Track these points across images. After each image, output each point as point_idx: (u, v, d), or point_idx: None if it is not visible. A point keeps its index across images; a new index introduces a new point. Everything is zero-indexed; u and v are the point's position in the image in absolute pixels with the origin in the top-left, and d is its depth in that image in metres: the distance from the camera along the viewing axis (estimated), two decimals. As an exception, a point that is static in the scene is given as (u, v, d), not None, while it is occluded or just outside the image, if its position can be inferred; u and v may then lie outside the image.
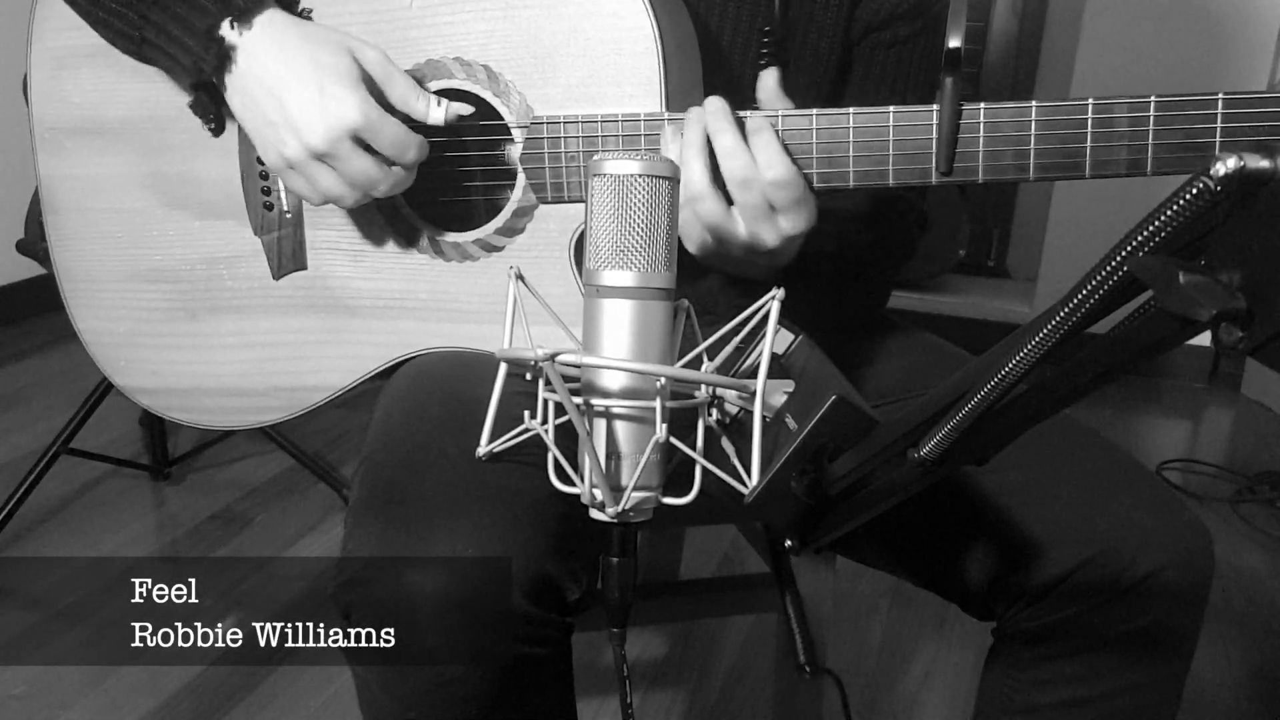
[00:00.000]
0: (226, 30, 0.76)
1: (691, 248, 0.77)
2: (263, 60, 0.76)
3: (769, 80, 0.77)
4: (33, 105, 0.94)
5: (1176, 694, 0.79)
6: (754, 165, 0.73)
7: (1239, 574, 1.87)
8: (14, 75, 0.97)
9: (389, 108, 0.78)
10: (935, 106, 0.72)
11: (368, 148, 0.76)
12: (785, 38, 0.89)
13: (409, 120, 0.79)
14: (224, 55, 0.77)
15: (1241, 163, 0.33)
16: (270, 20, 0.77)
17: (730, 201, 0.74)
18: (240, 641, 1.55)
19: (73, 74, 0.91)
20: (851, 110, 0.74)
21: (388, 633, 0.65)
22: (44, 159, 0.95)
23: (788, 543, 0.61)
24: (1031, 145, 0.72)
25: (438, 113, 0.78)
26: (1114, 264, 0.38)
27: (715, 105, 0.74)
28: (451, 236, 0.85)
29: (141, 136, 0.91)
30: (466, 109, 0.79)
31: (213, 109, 0.81)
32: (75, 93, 0.92)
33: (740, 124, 0.74)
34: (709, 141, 0.74)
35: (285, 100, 0.75)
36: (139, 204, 0.92)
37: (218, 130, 0.85)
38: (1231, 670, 1.59)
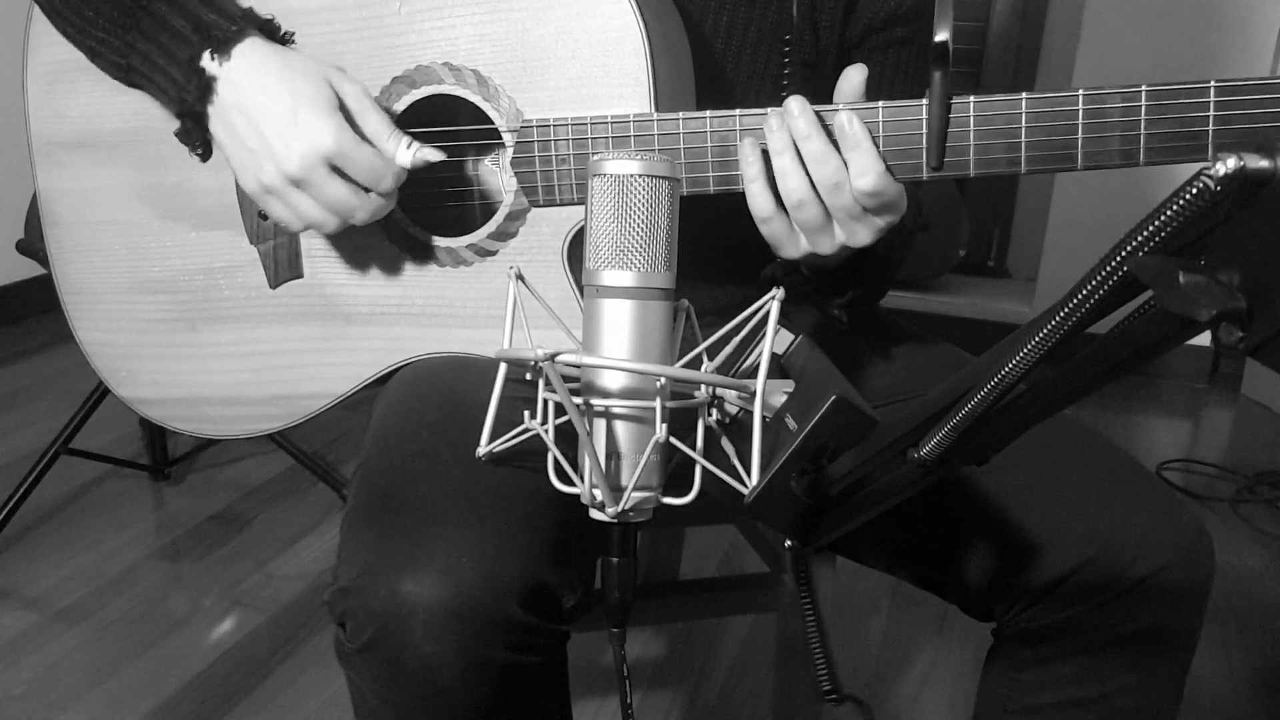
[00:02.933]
0: (207, 61, 0.77)
1: (792, 253, 0.76)
2: (242, 90, 0.77)
3: (857, 76, 0.74)
4: (30, 121, 0.94)
5: (1177, 694, 0.79)
6: (844, 169, 0.71)
7: (1239, 574, 1.87)
8: (14, 77, 0.97)
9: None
10: (924, 101, 0.72)
11: (344, 175, 0.77)
12: (811, 41, 0.88)
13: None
14: (205, 86, 0.78)
15: (1242, 163, 0.33)
16: (250, 49, 0.77)
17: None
18: (240, 641, 1.56)
19: (68, 88, 0.92)
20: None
21: (383, 640, 0.65)
22: (42, 173, 0.95)
23: (788, 543, 0.61)
24: (1022, 137, 0.71)
25: (405, 155, 0.78)
26: (1114, 264, 0.38)
27: (798, 107, 0.72)
28: (445, 242, 0.85)
29: (137, 149, 0.91)
30: (437, 155, 0.79)
31: (198, 136, 0.82)
32: (71, 107, 0.92)
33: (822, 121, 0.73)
34: (795, 144, 0.72)
35: (262, 127, 0.76)
36: (136, 216, 0.93)
37: (205, 156, 0.86)
38: (1231, 670, 1.59)
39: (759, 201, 0.74)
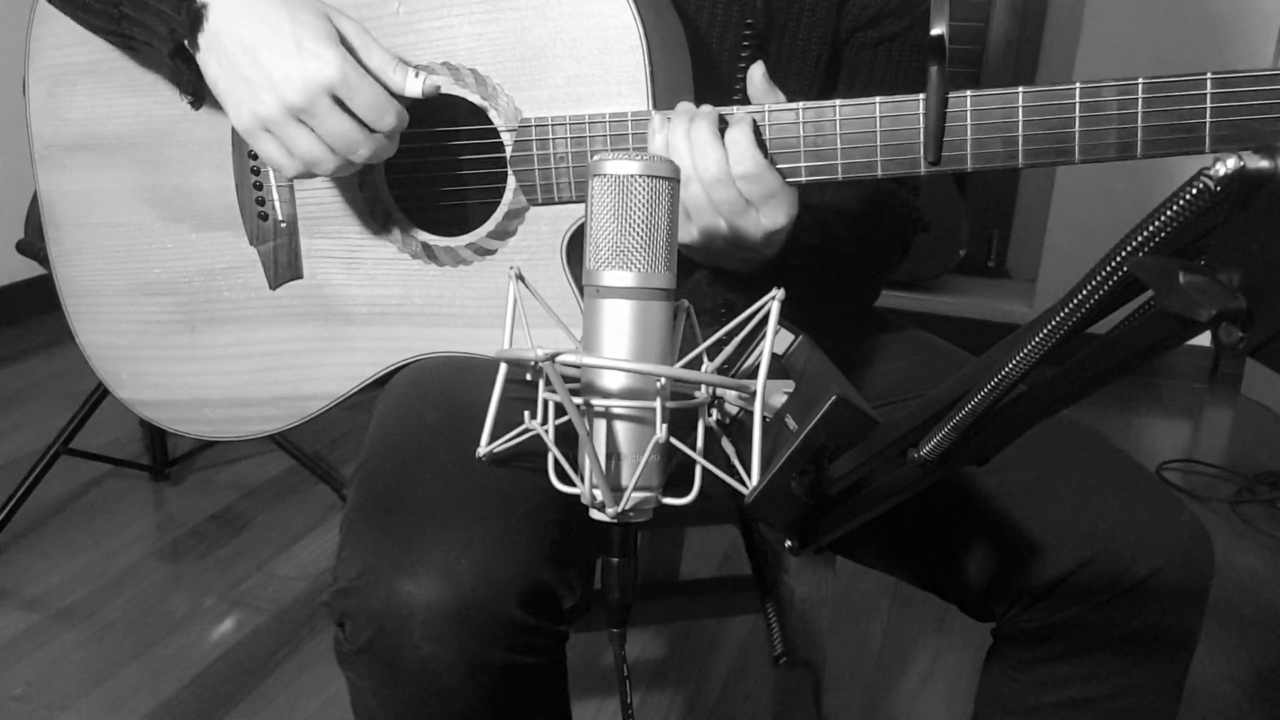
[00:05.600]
0: None
1: (694, 237, 0.77)
2: (237, 17, 0.74)
3: (756, 74, 0.77)
4: (31, 123, 0.94)
5: (1176, 694, 0.79)
6: (725, 162, 0.73)
7: (1239, 574, 1.87)
8: (14, 77, 0.97)
9: None
10: (921, 96, 0.72)
11: (347, 109, 0.74)
12: (768, 30, 0.89)
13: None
14: (196, 15, 0.75)
15: (1241, 163, 0.33)
16: None
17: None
18: (240, 641, 1.56)
19: (69, 91, 0.92)
20: (838, 102, 0.74)
21: (382, 640, 0.65)
22: (44, 176, 0.95)
23: (788, 543, 0.61)
24: (1019, 132, 0.71)
25: (415, 84, 0.77)
26: (1114, 264, 0.38)
27: (706, 107, 0.75)
28: (444, 241, 0.85)
29: (138, 151, 0.91)
30: (445, 82, 0.78)
31: (189, 76, 0.79)
32: (72, 109, 0.92)
33: (723, 121, 0.74)
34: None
35: (261, 56, 0.73)
36: (137, 218, 0.93)
37: (196, 103, 0.84)
38: (1231, 670, 1.59)
39: None
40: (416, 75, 0.77)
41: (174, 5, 0.76)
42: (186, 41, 0.76)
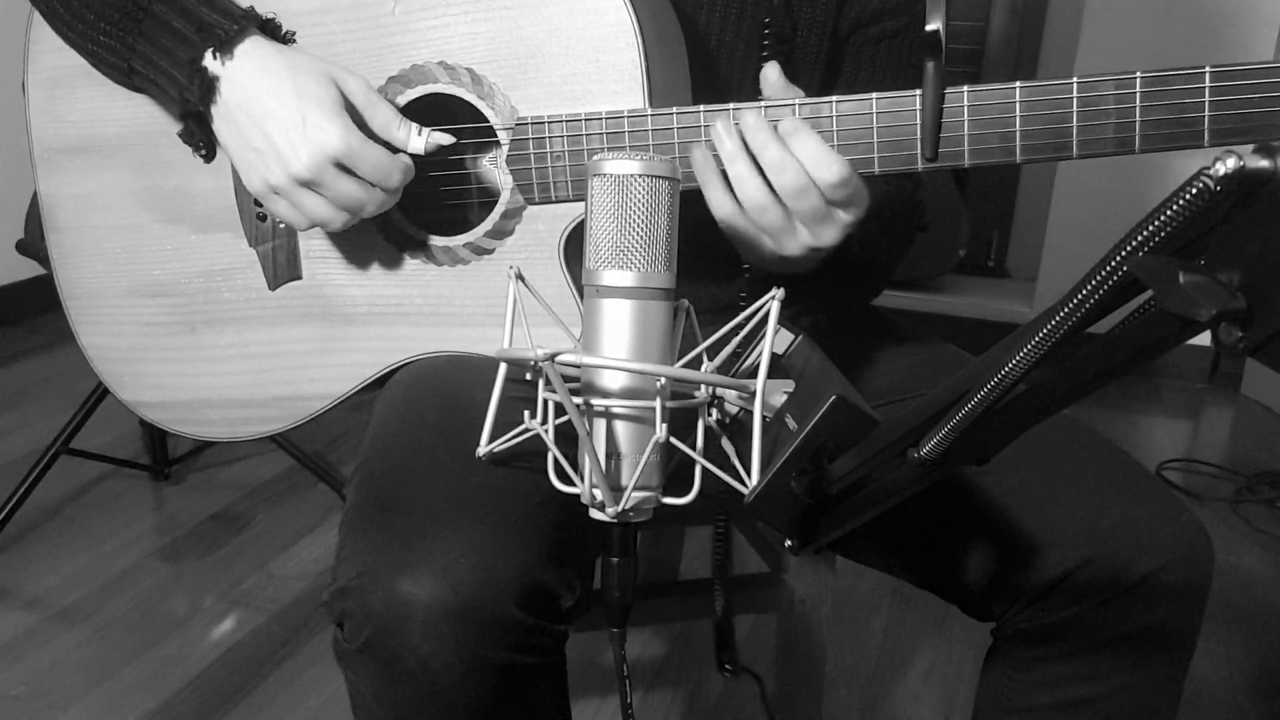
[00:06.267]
0: (209, 61, 0.77)
1: (766, 253, 0.77)
2: (246, 89, 0.77)
3: (772, 74, 0.77)
4: (31, 126, 0.94)
5: (1176, 694, 0.79)
6: (805, 172, 0.72)
7: (1239, 574, 1.87)
8: (14, 78, 0.97)
9: (371, 135, 0.79)
10: (918, 92, 0.72)
11: (352, 172, 0.77)
12: (790, 33, 0.89)
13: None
14: (208, 86, 0.77)
15: (1241, 163, 0.33)
16: (252, 49, 0.77)
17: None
18: (240, 641, 1.56)
19: (68, 93, 0.92)
20: (835, 99, 0.74)
21: (381, 640, 0.65)
22: (44, 179, 0.95)
23: (788, 543, 0.61)
24: (1017, 127, 0.71)
25: (418, 142, 0.79)
26: (1114, 264, 0.38)
27: (752, 119, 0.73)
28: (442, 241, 0.85)
29: (137, 153, 0.91)
30: (447, 139, 0.80)
31: (202, 137, 0.82)
32: (71, 112, 0.92)
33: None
34: (746, 149, 0.73)
35: (268, 129, 0.76)
36: (136, 220, 0.93)
37: (209, 157, 0.87)
38: (1231, 670, 1.59)
39: (722, 208, 0.75)
40: (419, 134, 0.79)
41: (186, 74, 0.77)
42: (200, 109, 0.79)
